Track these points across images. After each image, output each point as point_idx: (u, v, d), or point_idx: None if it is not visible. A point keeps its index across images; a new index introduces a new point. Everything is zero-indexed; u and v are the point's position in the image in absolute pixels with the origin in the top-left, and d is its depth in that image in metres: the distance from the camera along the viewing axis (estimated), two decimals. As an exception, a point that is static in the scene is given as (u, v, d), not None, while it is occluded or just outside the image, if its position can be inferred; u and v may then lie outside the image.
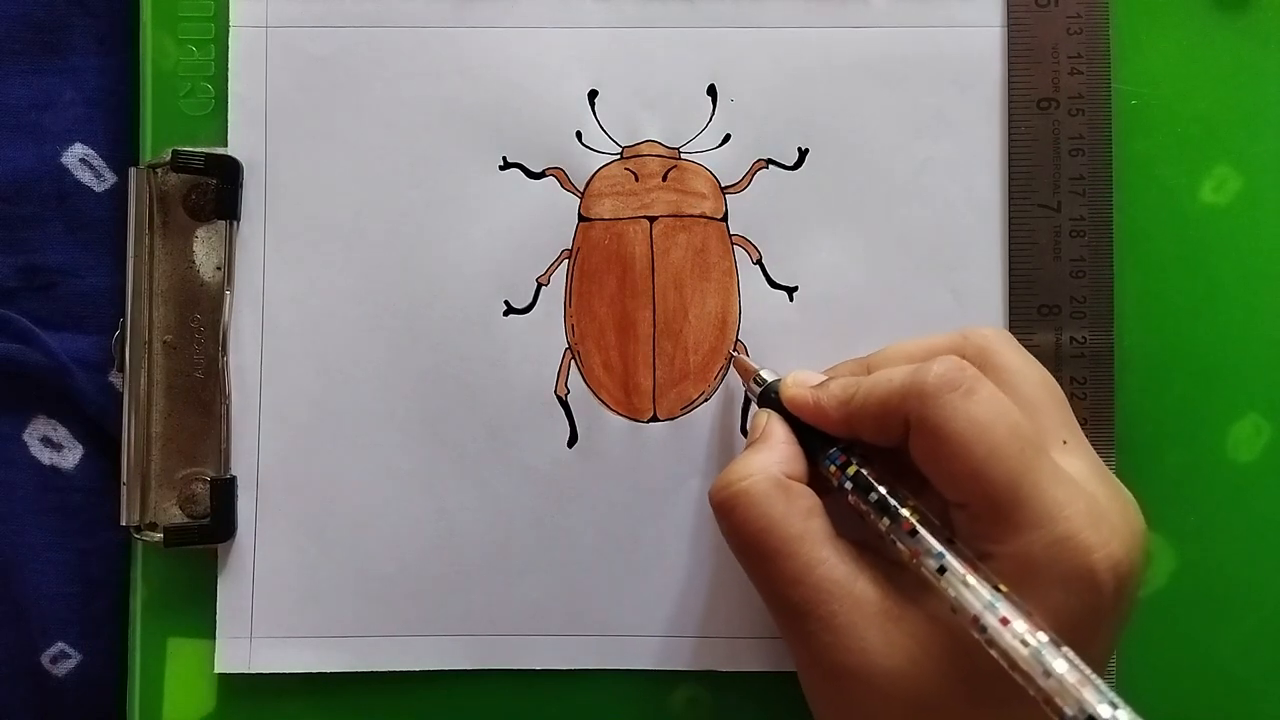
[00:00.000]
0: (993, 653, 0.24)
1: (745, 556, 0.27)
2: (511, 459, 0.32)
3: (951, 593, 0.24)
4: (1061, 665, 0.23)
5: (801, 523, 0.26)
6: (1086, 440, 0.28)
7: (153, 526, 0.32)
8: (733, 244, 0.32)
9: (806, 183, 0.32)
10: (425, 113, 0.32)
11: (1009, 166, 0.32)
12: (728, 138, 0.33)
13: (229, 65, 0.32)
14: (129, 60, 0.33)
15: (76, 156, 0.33)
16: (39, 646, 0.33)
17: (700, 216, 0.33)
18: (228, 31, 0.32)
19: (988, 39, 0.33)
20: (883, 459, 0.27)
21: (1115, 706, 0.22)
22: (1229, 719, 0.32)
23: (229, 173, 0.32)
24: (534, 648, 0.32)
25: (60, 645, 0.33)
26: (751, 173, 0.33)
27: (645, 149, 0.33)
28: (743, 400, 0.32)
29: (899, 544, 0.26)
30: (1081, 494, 0.25)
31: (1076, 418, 0.28)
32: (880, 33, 0.33)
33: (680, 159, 0.33)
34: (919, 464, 0.26)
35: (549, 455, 0.32)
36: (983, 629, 0.24)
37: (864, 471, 0.27)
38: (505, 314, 0.32)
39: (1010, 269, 0.32)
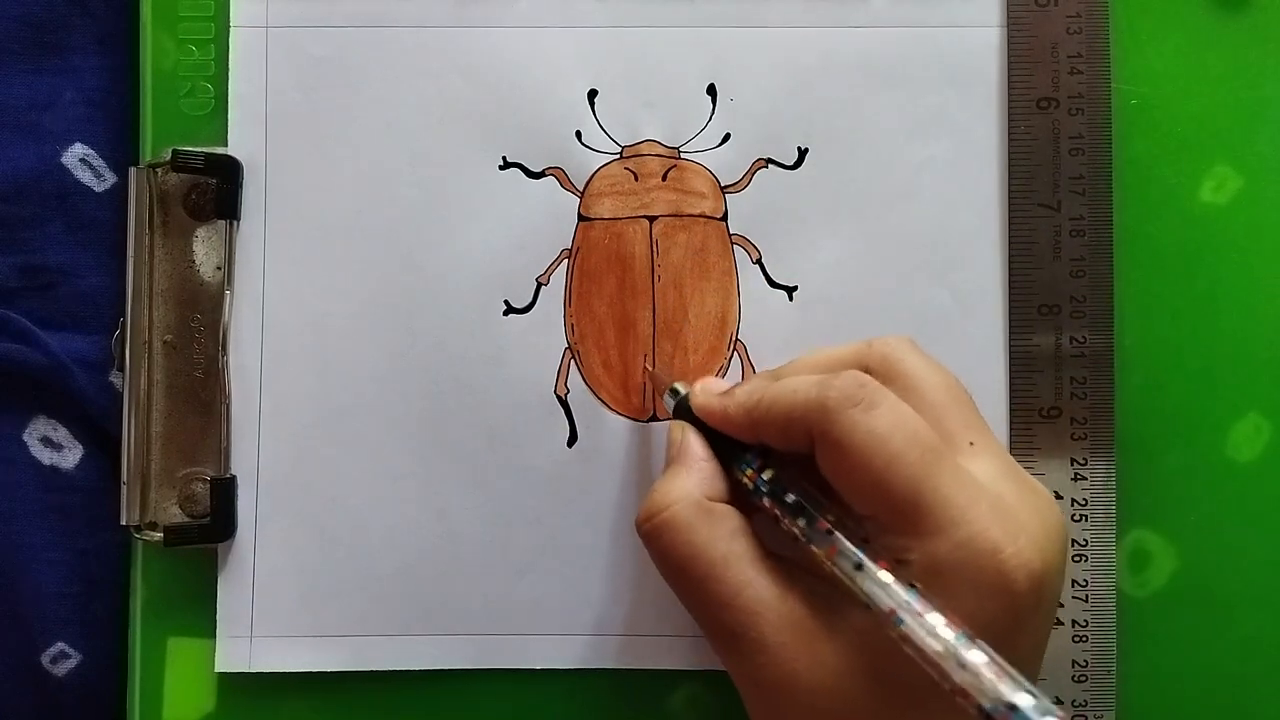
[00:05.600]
0: (907, 649, 0.23)
1: (675, 583, 0.27)
2: (511, 459, 0.32)
3: (867, 589, 0.24)
4: (977, 657, 0.22)
5: (725, 545, 0.26)
6: (995, 440, 0.28)
7: (153, 526, 0.32)
8: (732, 243, 0.32)
9: (806, 182, 0.32)
10: (425, 113, 0.33)
11: (1009, 166, 0.32)
12: (727, 137, 0.33)
13: (229, 65, 0.32)
14: (129, 60, 0.33)
15: (76, 156, 0.33)
16: (39, 646, 0.33)
17: (700, 216, 0.33)
18: (228, 31, 0.32)
19: (987, 39, 0.33)
20: (799, 465, 0.27)
21: (1034, 696, 0.21)
22: (1229, 719, 0.32)
23: (229, 172, 0.32)
24: (534, 648, 0.32)
25: (60, 645, 0.33)
26: (751, 172, 0.33)
27: (645, 148, 0.33)
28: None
29: (814, 545, 0.26)
30: (985, 494, 0.25)
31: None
32: (880, 32, 0.33)
33: (680, 158, 0.33)
34: (826, 476, 0.26)
35: (549, 455, 0.32)
36: (897, 622, 0.23)
37: (778, 476, 0.27)
38: (505, 314, 0.32)
39: (1010, 269, 0.32)
